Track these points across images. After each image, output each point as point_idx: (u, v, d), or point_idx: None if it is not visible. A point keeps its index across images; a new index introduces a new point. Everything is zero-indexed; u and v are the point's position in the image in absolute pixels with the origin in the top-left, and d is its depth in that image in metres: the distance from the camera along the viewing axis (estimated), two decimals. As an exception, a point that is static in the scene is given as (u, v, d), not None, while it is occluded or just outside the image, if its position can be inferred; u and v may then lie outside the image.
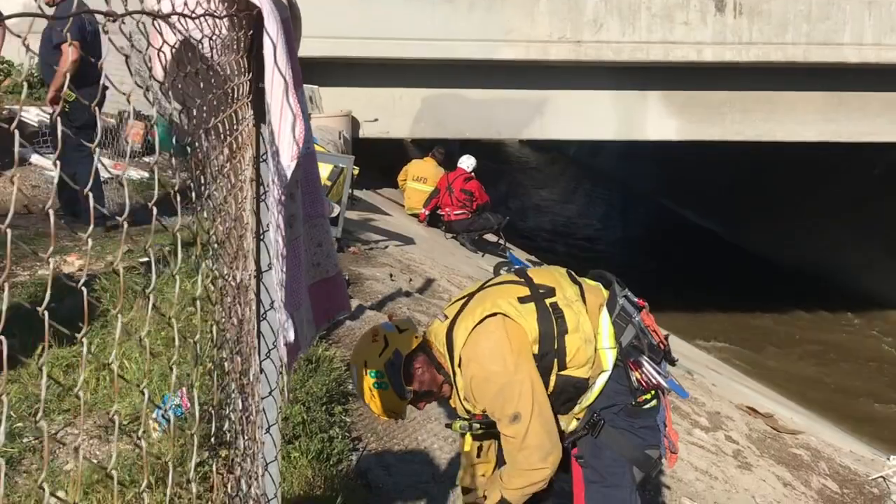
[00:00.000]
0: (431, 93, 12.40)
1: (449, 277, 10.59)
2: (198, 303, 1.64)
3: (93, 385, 4.51)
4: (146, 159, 10.41)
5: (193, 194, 1.62)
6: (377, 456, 4.86)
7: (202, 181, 1.85)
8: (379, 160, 14.62)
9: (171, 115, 1.96)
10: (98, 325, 5.19)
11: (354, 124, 12.64)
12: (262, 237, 2.36)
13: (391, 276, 9.06)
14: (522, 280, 3.32)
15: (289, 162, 1.98)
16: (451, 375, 3.27)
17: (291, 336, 2.06)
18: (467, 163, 13.90)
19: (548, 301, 3.22)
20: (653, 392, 3.29)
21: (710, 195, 21.80)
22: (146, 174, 9.77)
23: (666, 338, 3.43)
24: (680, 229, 21.67)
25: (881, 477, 8.19)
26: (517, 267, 3.56)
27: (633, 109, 11.60)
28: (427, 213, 13.91)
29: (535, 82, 11.71)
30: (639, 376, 3.24)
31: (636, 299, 3.38)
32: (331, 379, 5.39)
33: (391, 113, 12.75)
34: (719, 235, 21.01)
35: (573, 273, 3.47)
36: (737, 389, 10.27)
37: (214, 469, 3.21)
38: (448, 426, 3.59)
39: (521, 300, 3.21)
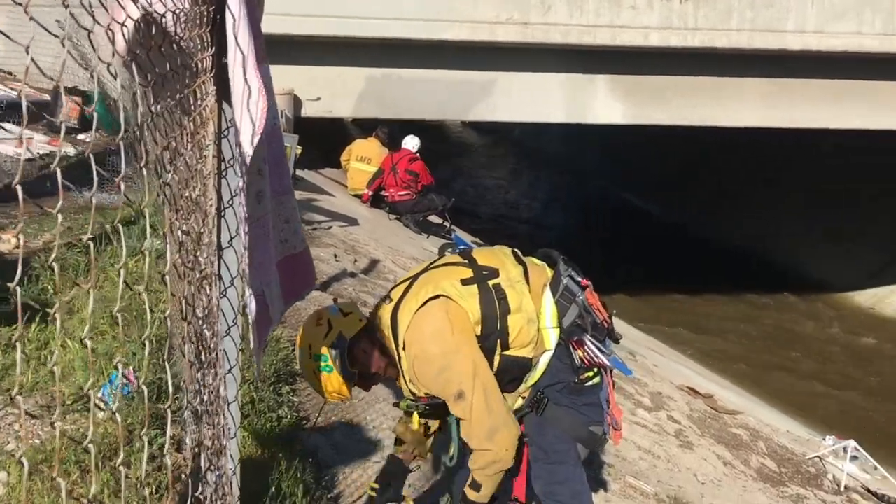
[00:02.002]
0: (376, 72, 12.37)
1: (394, 258, 10.63)
2: (167, 279, 1.66)
3: (34, 365, 4.47)
4: (81, 136, 10.25)
5: (144, 170, 1.62)
6: (326, 435, 4.91)
7: (162, 160, 1.86)
8: (319, 140, 14.57)
9: (124, 91, 1.96)
10: (40, 305, 5.14)
11: (297, 103, 12.56)
12: (223, 214, 2.38)
13: (336, 256, 9.07)
14: (466, 262, 3.37)
15: (253, 137, 2.00)
16: (397, 357, 3.33)
17: (253, 308, 2.09)
18: (412, 143, 13.90)
19: (491, 282, 3.27)
20: (596, 370, 3.37)
21: (655, 179, 22.09)
22: (81, 150, 9.63)
23: (610, 316, 3.51)
24: (624, 212, 21.93)
25: (817, 457, 8.46)
26: (462, 248, 3.61)
27: (581, 93, 11.71)
28: (371, 193, 13.89)
29: (482, 64, 11.75)
30: (582, 355, 3.31)
31: (580, 279, 3.44)
32: (278, 359, 5.41)
33: (334, 92, 12.68)
34: (663, 219, 21.31)
35: (518, 253, 3.52)
36: (678, 370, 10.50)
37: (167, 448, 3.24)
38: (396, 405, 3.64)
39: (464, 282, 3.26)
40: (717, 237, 19.50)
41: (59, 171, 1.28)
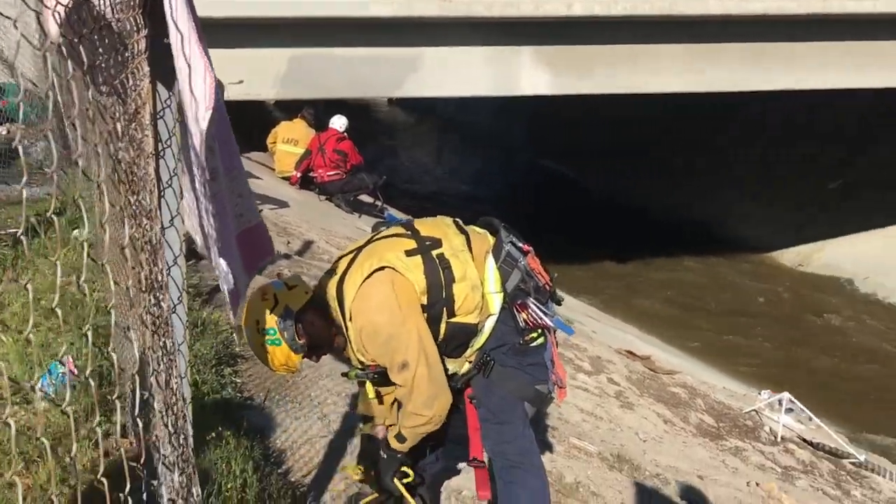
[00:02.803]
0: (299, 52, 12.32)
1: (327, 239, 10.69)
2: (108, 267, 1.73)
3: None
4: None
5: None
6: (271, 414, 4.99)
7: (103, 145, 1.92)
8: (240, 124, 14.47)
9: (58, 78, 2.01)
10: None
11: (218, 86, 12.45)
12: (162, 194, 2.45)
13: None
14: (409, 233, 3.46)
15: (202, 113, 2.06)
16: (344, 328, 3.42)
17: (231, 281, 2.16)
18: (339, 123, 13.91)
19: (434, 252, 3.37)
20: (539, 331, 3.50)
21: (582, 149, 22.37)
22: None
23: (552, 279, 3.65)
24: (552, 184, 22.18)
25: (753, 410, 8.77)
26: (402, 220, 3.71)
27: (507, 65, 11.83)
28: (299, 175, 13.88)
29: (407, 40, 11.79)
30: (525, 317, 3.44)
31: (521, 244, 3.58)
32: (218, 341, 5.46)
33: (257, 74, 12.60)
34: (591, 188, 21.61)
35: (459, 222, 3.62)
36: (615, 335, 10.75)
37: (118, 434, 3.31)
38: (345, 375, 3.74)
39: (408, 253, 3.35)
40: (646, 204, 19.85)
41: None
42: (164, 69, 2.34)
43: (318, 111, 14.71)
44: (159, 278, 2.12)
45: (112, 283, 1.80)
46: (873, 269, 15.83)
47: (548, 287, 3.56)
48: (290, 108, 16.08)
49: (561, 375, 3.64)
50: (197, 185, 2.35)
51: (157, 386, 2.37)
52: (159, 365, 2.37)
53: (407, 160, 25.92)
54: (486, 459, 3.68)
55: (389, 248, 3.39)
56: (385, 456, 3.54)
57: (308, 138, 13.93)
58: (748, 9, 11.55)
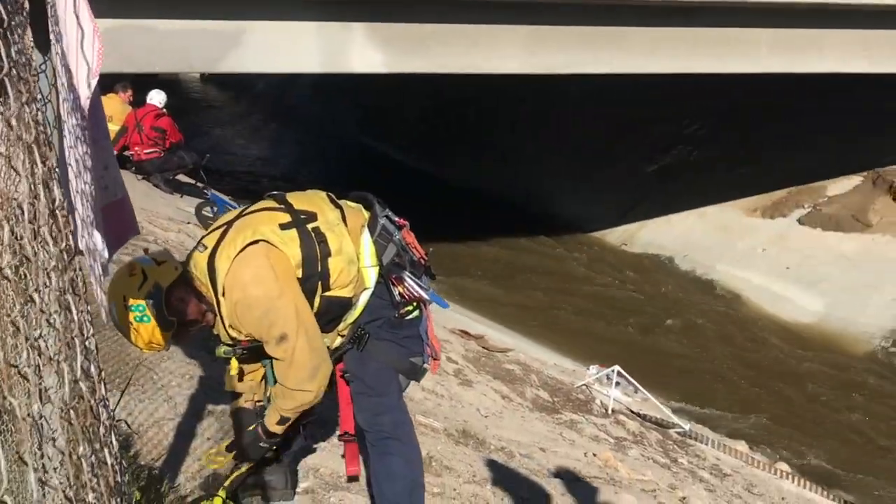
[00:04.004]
0: (115, 23, 11.89)
1: (149, 219, 10.46)
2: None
3: None
4: None
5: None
6: (114, 397, 4.93)
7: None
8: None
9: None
10: None
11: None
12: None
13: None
14: (283, 206, 3.51)
15: (88, 80, 2.09)
16: (216, 304, 3.45)
17: (106, 256, 2.19)
18: (158, 98, 13.58)
19: (310, 226, 3.44)
20: (415, 304, 3.64)
21: (409, 130, 22.64)
22: None
23: (427, 253, 3.80)
24: (380, 164, 22.33)
25: (584, 385, 9.23)
26: (275, 193, 3.74)
27: (337, 42, 11.80)
28: (115, 153, 13.46)
29: (231, 12, 11.56)
30: (401, 290, 3.56)
31: (397, 219, 3.71)
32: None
33: (66, 46, 12.15)
34: (420, 169, 21.89)
35: (333, 196, 3.70)
36: (449, 315, 11.02)
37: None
38: (211, 353, 3.78)
39: (283, 227, 3.41)
40: (475, 185, 20.31)
41: None
42: (40, 32, 2.35)
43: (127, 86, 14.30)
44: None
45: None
46: (690, 247, 16.83)
47: (423, 261, 3.70)
48: (104, 84, 15.53)
49: (436, 347, 3.78)
50: (70, 154, 2.36)
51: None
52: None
53: (224, 139, 25.50)
54: (356, 434, 3.80)
55: (263, 221, 3.43)
56: (263, 445, 3.62)
57: (124, 115, 13.52)
58: (585, -8, 12.01)
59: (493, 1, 11.77)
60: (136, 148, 13.31)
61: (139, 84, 14.39)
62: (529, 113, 20.40)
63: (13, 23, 1.73)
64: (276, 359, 3.42)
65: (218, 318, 3.49)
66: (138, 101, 13.79)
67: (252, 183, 20.23)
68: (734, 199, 17.27)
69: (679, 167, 18.68)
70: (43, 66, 2.44)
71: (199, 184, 13.62)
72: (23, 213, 1.34)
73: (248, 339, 3.48)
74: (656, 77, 13.69)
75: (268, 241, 3.36)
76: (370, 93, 21.78)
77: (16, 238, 1.31)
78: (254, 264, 3.34)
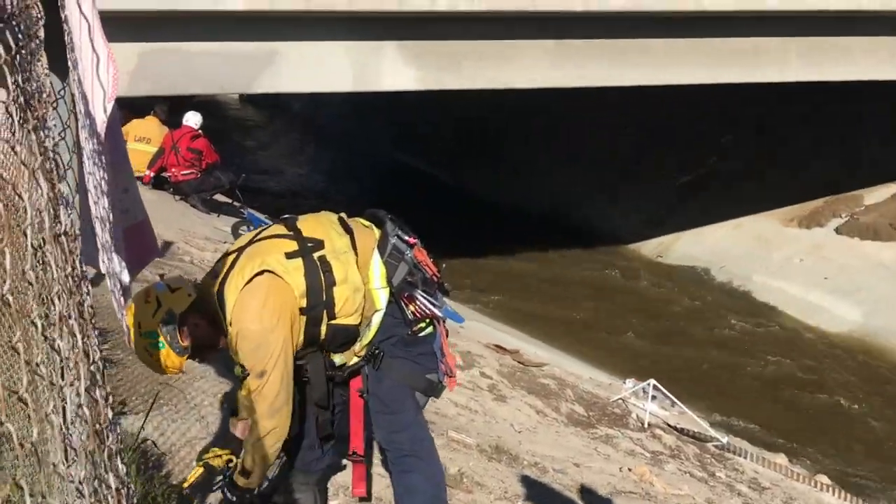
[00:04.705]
0: (150, 47, 12.05)
1: (186, 240, 10.55)
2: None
3: None
4: None
5: None
6: (148, 417, 4.94)
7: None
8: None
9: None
10: None
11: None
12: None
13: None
14: (291, 233, 3.50)
15: (104, 104, 2.09)
16: (226, 330, 3.46)
17: (127, 279, 2.19)
18: (194, 120, 13.70)
19: (316, 255, 3.43)
20: (428, 321, 3.61)
21: (442, 146, 22.65)
22: None
23: (440, 270, 3.78)
24: (414, 181, 22.36)
25: (620, 399, 9.14)
26: (287, 217, 3.75)
27: (370, 60, 11.87)
28: (152, 174, 13.60)
29: (263, 34, 11.67)
30: (413, 309, 3.54)
31: (407, 237, 3.69)
32: (86, 346, 5.38)
33: (104, 70, 12.28)
34: (454, 185, 21.88)
35: (344, 218, 3.68)
36: (483, 330, 11.00)
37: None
38: (232, 382, 3.79)
39: (289, 255, 3.41)
40: (508, 199, 20.26)
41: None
42: (57, 59, 2.36)
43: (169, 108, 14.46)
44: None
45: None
46: (726, 258, 16.67)
47: (435, 278, 3.67)
48: (135, 106, 15.69)
49: (451, 364, 3.76)
50: (89, 179, 2.37)
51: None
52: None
53: (261, 158, 25.66)
54: (364, 454, 3.79)
55: (270, 250, 3.44)
56: (231, 497, 3.58)
57: (161, 136, 13.67)
58: (609, 6, 11.96)
59: (522, 15, 11.76)
60: (174, 169, 13.44)
61: (177, 106, 14.54)
62: (562, 126, 20.34)
63: (24, 50, 1.74)
64: (249, 388, 3.41)
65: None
66: (175, 123, 13.91)
67: (288, 201, 20.35)
68: (769, 210, 17.09)
69: (713, 177, 18.52)
70: (62, 93, 2.46)
71: (235, 203, 13.72)
72: (26, 238, 1.33)
73: None
74: (685, 88, 13.61)
75: (272, 272, 3.36)
76: (403, 110, 21.81)
77: (17, 264, 1.30)
78: (256, 297, 3.35)
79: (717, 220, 17.51)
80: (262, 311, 3.33)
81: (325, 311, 3.43)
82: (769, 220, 17.00)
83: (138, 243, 2.68)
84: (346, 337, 3.52)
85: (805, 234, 16.29)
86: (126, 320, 3.42)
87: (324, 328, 3.46)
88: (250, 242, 3.54)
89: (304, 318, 3.43)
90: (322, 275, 3.41)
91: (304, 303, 3.40)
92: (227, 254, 3.59)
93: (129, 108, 15.41)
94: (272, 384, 3.35)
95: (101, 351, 1.66)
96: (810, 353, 13.63)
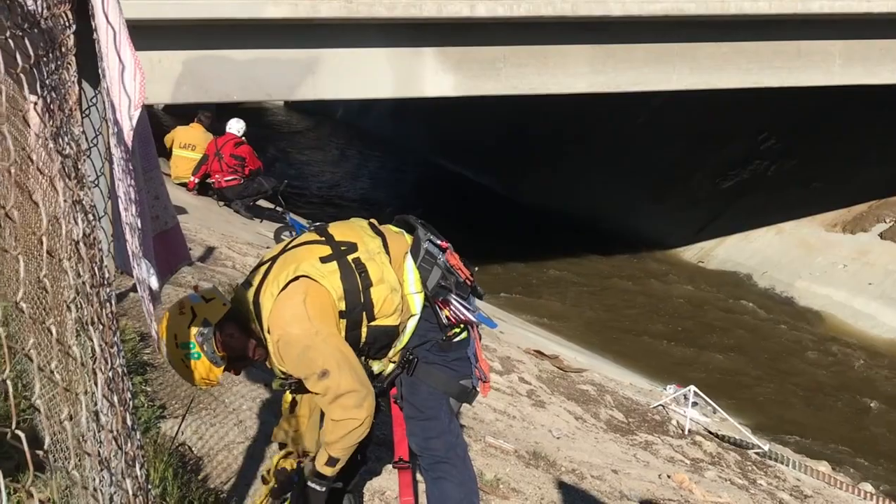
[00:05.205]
0: (193, 55, 12.15)
1: (229, 245, 10.61)
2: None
3: None
4: None
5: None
6: (186, 421, 4.96)
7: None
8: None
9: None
10: None
11: (110, 91, 12.20)
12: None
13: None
14: (323, 239, 3.48)
15: (131, 112, 2.09)
16: (264, 340, 3.43)
17: (156, 284, 2.19)
18: (237, 127, 13.81)
19: (350, 257, 3.41)
20: (462, 326, 3.59)
21: (483, 150, 22.62)
22: None
23: (472, 274, 3.75)
24: (455, 186, 22.38)
25: (660, 405, 9.04)
26: (318, 224, 3.74)
27: (410, 66, 11.88)
28: (196, 181, 13.73)
29: (305, 41, 11.73)
30: (448, 314, 3.52)
31: (439, 241, 3.66)
32: (126, 350, 5.41)
33: (150, 78, 12.08)
34: (494, 189, 21.85)
35: (375, 223, 3.67)
36: (523, 335, 10.94)
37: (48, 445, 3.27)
38: (268, 385, 3.78)
39: (323, 260, 3.38)
40: (548, 204, 20.19)
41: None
42: (89, 67, 2.36)
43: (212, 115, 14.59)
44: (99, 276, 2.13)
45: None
46: (769, 264, 16.45)
47: (469, 282, 3.65)
48: (178, 113, 15.84)
49: (484, 369, 3.73)
50: (119, 186, 2.37)
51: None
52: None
53: (305, 164, 25.80)
54: (410, 461, 3.75)
55: (304, 256, 3.41)
56: (319, 488, 3.48)
57: (205, 143, 13.79)
58: (649, 10, 11.86)
59: (562, 21, 11.71)
60: (217, 175, 13.55)
61: (221, 113, 14.67)
62: (603, 130, 20.22)
63: (45, 57, 1.75)
64: (317, 394, 3.35)
65: (268, 353, 3.47)
66: (219, 130, 14.02)
67: (329, 207, 20.43)
68: (813, 215, 16.84)
69: (755, 182, 18.29)
70: (93, 100, 2.47)
71: (278, 209, 13.78)
72: (41, 245, 1.32)
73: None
74: (727, 91, 13.46)
75: (308, 277, 3.34)
76: (445, 115, 21.82)
77: (32, 270, 1.29)
78: (294, 302, 3.31)
79: (760, 226, 17.28)
80: (302, 314, 3.30)
81: (364, 314, 3.41)
82: (812, 225, 16.76)
83: (168, 249, 2.68)
84: (387, 338, 3.49)
85: (849, 240, 16.02)
86: (157, 329, 3.42)
87: (364, 330, 3.43)
88: (283, 251, 3.52)
89: (343, 322, 3.40)
90: (358, 276, 3.38)
91: (342, 306, 3.37)
92: (260, 263, 3.56)
93: (174, 115, 15.58)
94: (344, 378, 3.28)
95: (124, 356, 1.64)
96: (854, 359, 13.39)
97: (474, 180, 22.61)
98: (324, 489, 3.49)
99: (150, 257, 2.35)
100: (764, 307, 15.31)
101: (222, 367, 3.45)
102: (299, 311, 3.30)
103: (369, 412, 3.36)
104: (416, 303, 3.49)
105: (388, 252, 3.49)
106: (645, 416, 8.55)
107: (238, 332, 3.44)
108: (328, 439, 3.41)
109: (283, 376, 3.54)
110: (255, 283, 3.44)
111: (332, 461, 3.43)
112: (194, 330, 3.34)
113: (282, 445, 3.86)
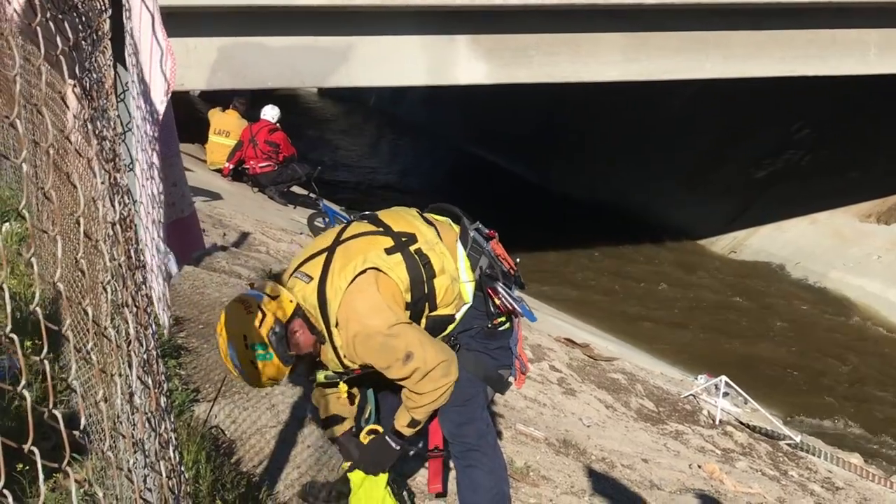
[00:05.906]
0: (229, 41, 12.19)
1: (263, 230, 10.66)
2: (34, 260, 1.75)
3: None
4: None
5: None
6: (219, 405, 4.98)
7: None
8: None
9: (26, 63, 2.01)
10: None
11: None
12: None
13: (203, 231, 9.03)
14: (381, 229, 3.45)
15: (162, 97, 2.09)
16: (327, 334, 3.38)
17: (174, 269, 2.19)
18: (271, 113, 13.87)
19: (412, 248, 3.39)
20: (507, 316, 3.58)
21: (515, 139, 22.52)
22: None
23: (516, 264, 3.73)
24: (488, 174, 22.30)
25: (692, 395, 8.98)
26: (366, 214, 3.68)
27: (442, 54, 11.86)
28: (231, 167, 13.80)
29: (339, 28, 11.74)
30: (498, 302, 3.51)
31: (486, 230, 3.66)
32: (159, 332, 5.43)
33: (185, 64, 12.38)
34: (526, 178, 21.77)
35: (423, 213, 3.65)
36: (554, 323, 10.90)
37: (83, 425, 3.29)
38: (311, 381, 3.75)
39: (388, 251, 3.35)
40: (577, 192, 20.08)
41: None
42: (124, 52, 2.37)
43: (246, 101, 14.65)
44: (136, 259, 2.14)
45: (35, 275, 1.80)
46: (802, 255, 16.28)
47: (513, 272, 3.64)
48: (213, 99, 15.87)
49: (524, 360, 3.73)
50: (136, 165, 2.37)
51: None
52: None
53: (338, 151, 25.84)
54: (444, 449, 3.75)
55: (368, 247, 3.37)
56: (394, 445, 3.52)
57: (240, 129, 13.86)
58: (681, -3, 11.79)
59: (595, 8, 11.63)
60: (251, 162, 13.61)
61: (256, 100, 14.71)
62: (634, 119, 20.05)
63: (84, 41, 1.74)
64: (403, 378, 3.34)
65: (328, 347, 3.42)
66: (254, 117, 14.08)
67: (363, 194, 20.46)
68: (847, 205, 16.63)
69: (788, 172, 18.08)
70: (128, 84, 2.47)
71: (311, 195, 13.81)
72: (78, 227, 1.31)
73: (360, 368, 3.44)
74: (760, 80, 13.31)
75: (377, 269, 3.31)
76: (478, 103, 21.73)
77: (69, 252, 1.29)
78: (366, 294, 3.28)
79: (792, 216, 17.10)
80: (380, 304, 3.27)
81: (427, 304, 3.41)
82: (846, 215, 16.56)
83: (183, 237, 2.67)
84: (443, 327, 3.49)
85: (883, 230, 15.83)
86: (226, 338, 3.31)
87: (424, 321, 3.43)
88: (337, 242, 3.45)
89: (407, 314, 3.38)
90: (422, 267, 3.37)
91: (409, 297, 3.36)
92: (312, 255, 3.48)
93: (209, 101, 15.62)
94: (429, 354, 3.28)
95: (157, 339, 1.64)
96: (887, 350, 13.24)
97: (507, 168, 22.53)
98: (399, 447, 3.52)
99: (165, 243, 2.35)
100: (797, 298, 15.17)
101: (290, 366, 3.34)
102: (376, 301, 3.27)
103: (456, 374, 3.37)
104: (469, 291, 3.49)
105: (442, 241, 3.48)
106: (675, 406, 8.50)
107: (304, 328, 3.36)
108: (414, 404, 3.42)
109: (341, 369, 3.50)
110: (315, 275, 3.37)
111: (413, 423, 3.46)
112: (266, 329, 3.22)
113: (327, 423, 3.83)
